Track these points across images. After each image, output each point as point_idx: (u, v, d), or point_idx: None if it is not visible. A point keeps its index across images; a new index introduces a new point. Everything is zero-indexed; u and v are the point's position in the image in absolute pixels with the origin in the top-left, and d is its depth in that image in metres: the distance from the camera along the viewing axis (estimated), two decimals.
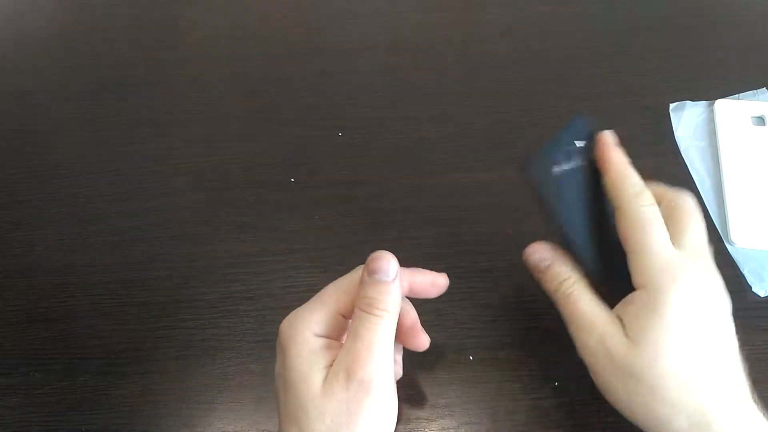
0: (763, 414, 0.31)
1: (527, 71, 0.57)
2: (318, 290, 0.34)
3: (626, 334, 0.32)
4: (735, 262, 0.45)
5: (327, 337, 0.32)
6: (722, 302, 0.33)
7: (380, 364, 0.31)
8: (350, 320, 0.33)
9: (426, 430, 0.40)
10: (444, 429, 0.40)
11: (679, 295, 0.31)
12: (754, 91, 0.53)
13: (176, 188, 0.51)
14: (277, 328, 0.33)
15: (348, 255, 0.46)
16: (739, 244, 0.45)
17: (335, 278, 0.34)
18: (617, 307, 0.34)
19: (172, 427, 0.41)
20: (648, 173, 0.49)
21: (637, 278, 0.33)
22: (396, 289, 0.32)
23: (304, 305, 0.33)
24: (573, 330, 0.34)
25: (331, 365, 0.31)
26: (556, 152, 0.35)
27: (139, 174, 0.52)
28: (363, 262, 0.33)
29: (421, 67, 0.58)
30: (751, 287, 0.44)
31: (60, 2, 0.65)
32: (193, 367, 0.43)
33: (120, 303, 0.46)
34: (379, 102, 0.55)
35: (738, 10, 0.60)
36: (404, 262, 0.33)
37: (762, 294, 0.44)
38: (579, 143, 0.35)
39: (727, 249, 0.46)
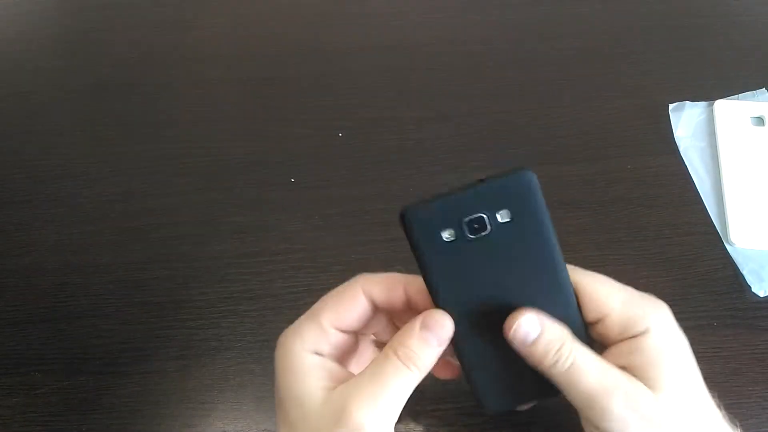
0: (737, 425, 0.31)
1: (527, 71, 0.57)
2: (318, 290, 0.33)
3: (648, 385, 0.29)
4: (734, 263, 0.45)
5: (321, 354, 0.31)
6: None
7: (386, 417, 0.28)
8: (343, 334, 0.32)
9: None
10: None
11: (672, 328, 0.30)
12: (754, 91, 0.53)
13: (176, 188, 0.51)
14: (278, 328, 0.32)
15: (348, 255, 0.46)
16: (738, 245, 0.46)
17: (335, 278, 0.34)
18: (613, 360, 0.30)
19: (172, 427, 0.41)
20: (648, 173, 0.50)
21: (634, 327, 0.30)
22: (436, 356, 0.29)
23: (300, 319, 0.32)
24: (586, 401, 0.29)
25: (327, 386, 0.29)
26: (451, 214, 0.28)
27: (139, 174, 0.52)
28: (363, 262, 0.33)
29: (421, 67, 0.58)
30: (750, 287, 0.44)
31: (60, 2, 0.65)
32: (194, 367, 0.43)
33: (120, 303, 0.46)
34: (379, 102, 0.55)
35: (738, 10, 0.60)
36: (404, 263, 0.33)
37: (761, 294, 0.44)
38: (501, 216, 0.29)
39: (726, 249, 0.46)
